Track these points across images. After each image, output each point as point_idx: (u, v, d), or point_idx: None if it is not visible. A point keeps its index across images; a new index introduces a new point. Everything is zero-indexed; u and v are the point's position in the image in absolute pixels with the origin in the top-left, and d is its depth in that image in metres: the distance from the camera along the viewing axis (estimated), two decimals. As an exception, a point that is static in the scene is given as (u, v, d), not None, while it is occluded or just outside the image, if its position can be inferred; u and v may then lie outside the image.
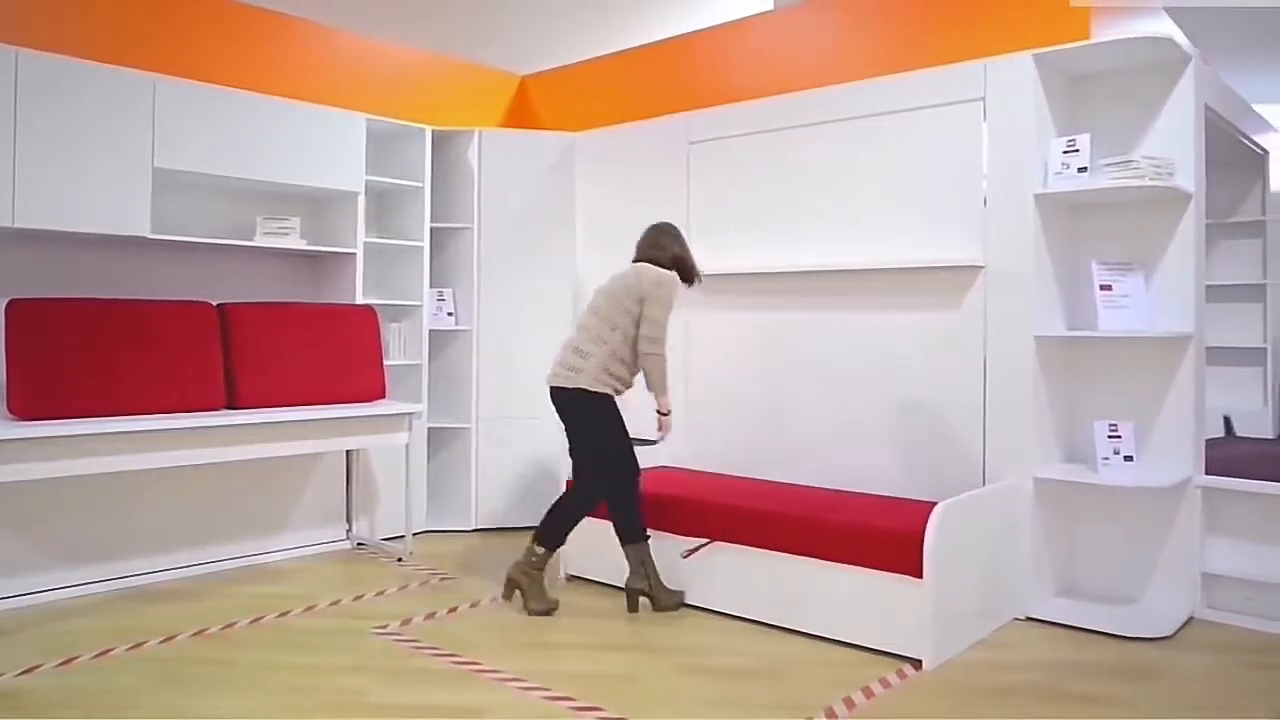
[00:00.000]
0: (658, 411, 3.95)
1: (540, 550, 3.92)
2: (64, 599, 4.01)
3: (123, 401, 3.95)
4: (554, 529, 3.94)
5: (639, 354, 3.85)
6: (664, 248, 4.01)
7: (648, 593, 3.92)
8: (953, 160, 4.06)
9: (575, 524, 3.97)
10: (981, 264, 3.96)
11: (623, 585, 3.98)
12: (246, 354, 4.34)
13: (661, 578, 3.96)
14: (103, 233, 4.16)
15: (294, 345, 4.50)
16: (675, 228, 4.11)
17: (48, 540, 4.04)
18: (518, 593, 3.96)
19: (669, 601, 3.94)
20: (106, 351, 3.95)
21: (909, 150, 4.18)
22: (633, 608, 3.93)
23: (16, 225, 3.91)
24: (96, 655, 3.35)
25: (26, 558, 3.98)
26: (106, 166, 4.14)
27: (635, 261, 4.02)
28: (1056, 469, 3.91)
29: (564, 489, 4.11)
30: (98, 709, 2.92)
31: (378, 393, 4.73)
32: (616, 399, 3.93)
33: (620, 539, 3.95)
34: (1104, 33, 4.01)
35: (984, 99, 3.97)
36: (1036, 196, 3.85)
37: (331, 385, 4.57)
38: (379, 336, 4.81)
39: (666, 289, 3.85)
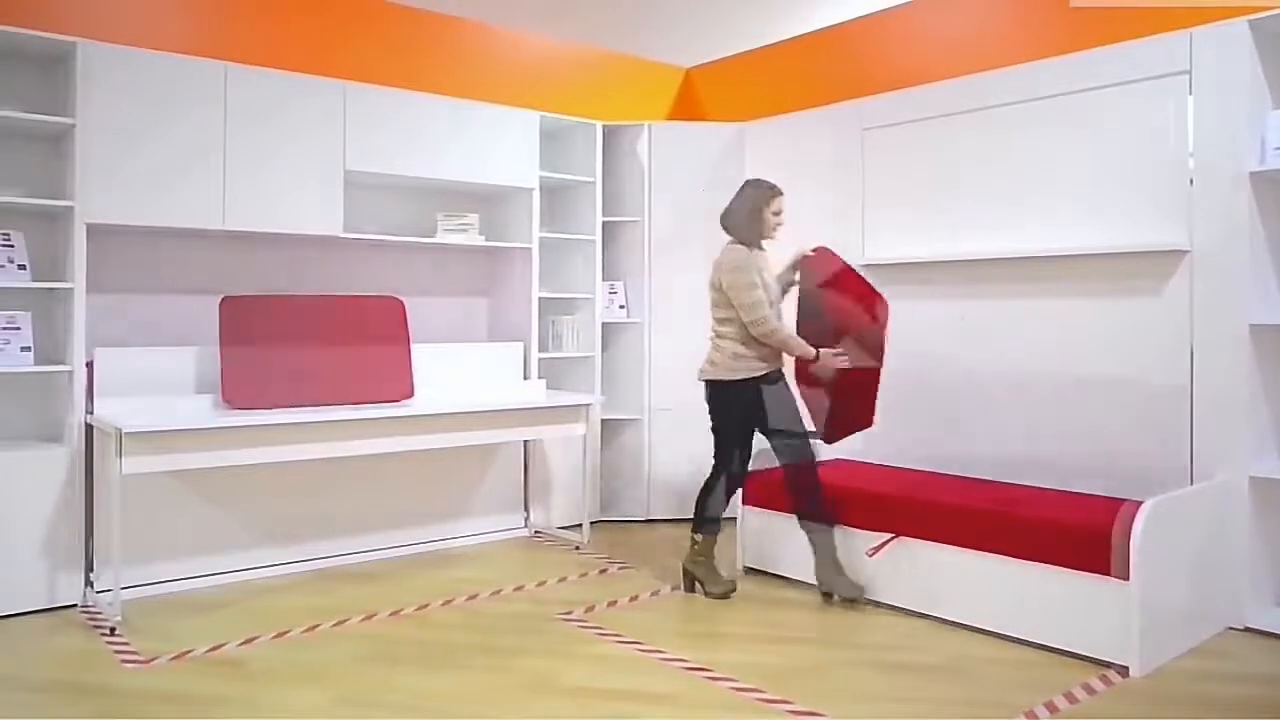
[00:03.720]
0: (811, 361, 3.93)
1: (697, 537, 4.02)
2: (268, 577, 4.27)
3: (322, 391, 4.18)
4: (700, 514, 4.05)
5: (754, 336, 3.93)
6: (739, 204, 4.10)
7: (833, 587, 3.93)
8: (1152, 138, 3.82)
9: (717, 504, 4.03)
10: (1187, 248, 3.71)
11: (808, 577, 4.04)
12: None
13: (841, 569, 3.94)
14: (300, 233, 4.41)
15: None
16: (754, 182, 4.14)
17: (254, 521, 4.31)
18: (697, 583, 4.03)
19: (849, 590, 3.89)
20: (307, 344, 4.20)
21: (1102, 130, 3.96)
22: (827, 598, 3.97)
23: (226, 227, 4.19)
24: (306, 630, 3.57)
25: (236, 537, 4.26)
26: (303, 170, 4.38)
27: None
28: (1277, 467, 3.62)
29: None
30: (313, 678, 3.10)
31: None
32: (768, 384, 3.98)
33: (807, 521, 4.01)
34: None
35: (1190, 71, 3.71)
36: (1252, 174, 3.58)
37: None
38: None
39: (740, 273, 3.91)
